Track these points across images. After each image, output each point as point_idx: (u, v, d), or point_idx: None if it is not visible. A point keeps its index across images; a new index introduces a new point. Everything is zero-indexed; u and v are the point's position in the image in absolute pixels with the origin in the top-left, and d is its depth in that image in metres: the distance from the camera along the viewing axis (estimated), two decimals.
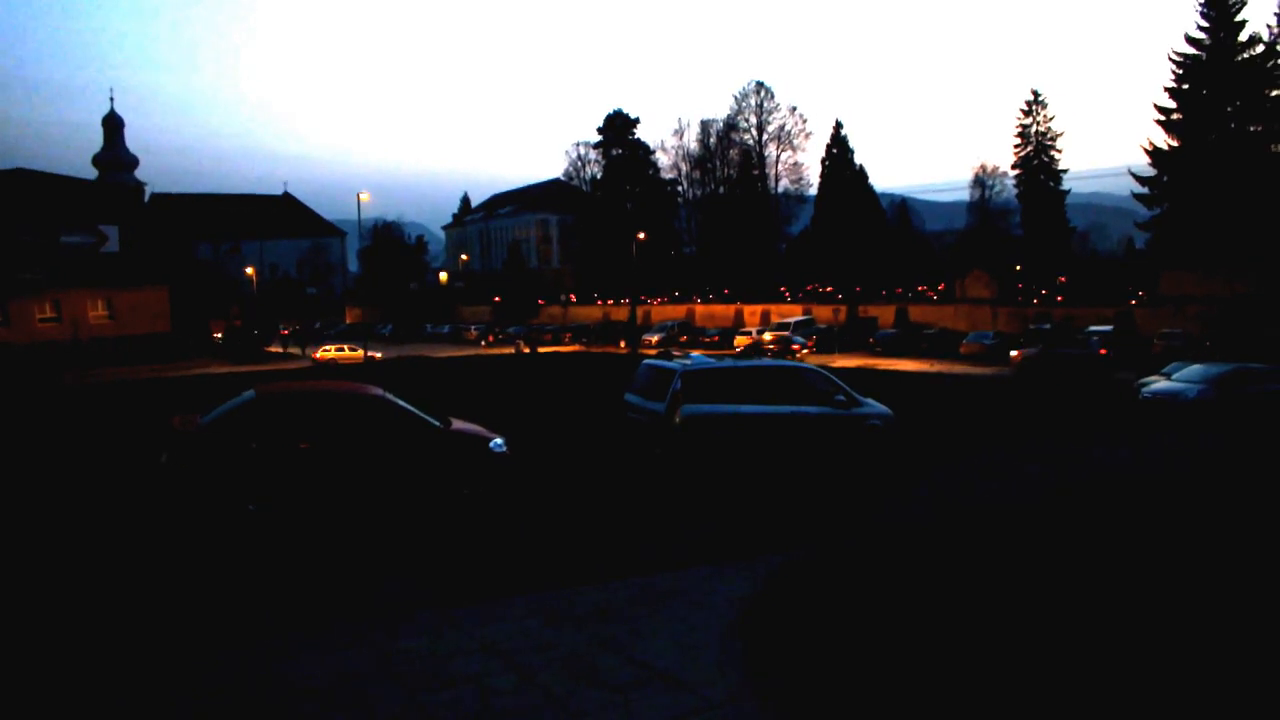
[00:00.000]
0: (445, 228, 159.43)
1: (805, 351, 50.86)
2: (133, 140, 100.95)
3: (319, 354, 57.84)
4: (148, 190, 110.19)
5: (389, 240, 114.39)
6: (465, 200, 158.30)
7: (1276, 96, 63.06)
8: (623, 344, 64.14)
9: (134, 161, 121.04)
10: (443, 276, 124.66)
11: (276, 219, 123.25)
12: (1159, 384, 25.77)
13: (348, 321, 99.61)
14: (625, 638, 7.37)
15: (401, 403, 12.37)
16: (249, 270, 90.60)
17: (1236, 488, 13.76)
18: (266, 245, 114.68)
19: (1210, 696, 6.10)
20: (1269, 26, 63.55)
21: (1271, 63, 63.09)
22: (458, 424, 12.82)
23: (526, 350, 54.21)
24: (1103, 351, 41.49)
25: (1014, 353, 42.70)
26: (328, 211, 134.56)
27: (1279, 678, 6.36)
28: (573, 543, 10.63)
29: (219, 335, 67.89)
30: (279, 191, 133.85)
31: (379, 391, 12.65)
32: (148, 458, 11.30)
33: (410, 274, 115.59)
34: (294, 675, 6.67)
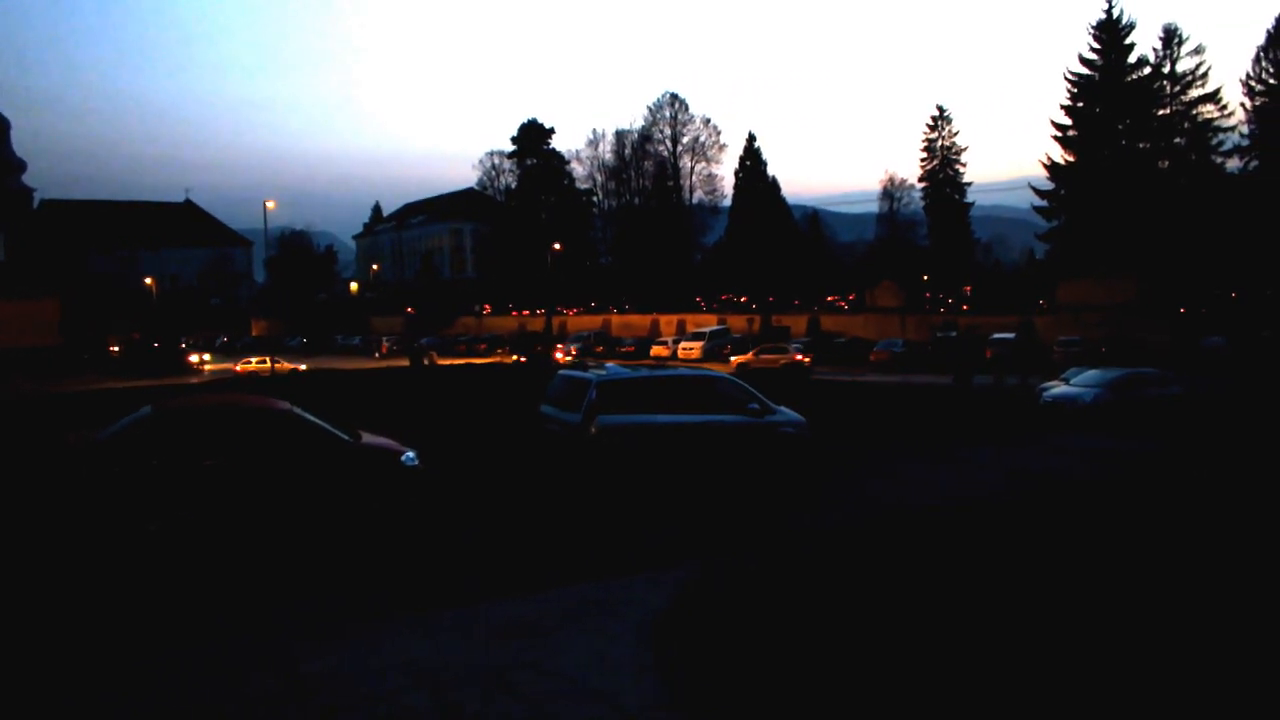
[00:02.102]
0: (356, 237, 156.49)
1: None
2: (20, 144, 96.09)
3: (239, 366, 56.24)
4: (37, 196, 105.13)
5: (297, 249, 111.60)
6: (377, 209, 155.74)
7: (1163, 116, 66.39)
8: (539, 350, 63.81)
9: (21, 165, 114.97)
10: (353, 287, 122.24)
11: (178, 227, 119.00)
12: (1058, 388, 26.74)
13: (254, 334, 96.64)
14: (542, 650, 7.26)
15: (309, 416, 12.00)
16: (148, 280, 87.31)
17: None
18: (167, 254, 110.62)
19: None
20: (1155, 50, 66.82)
21: (1158, 84, 66.41)
22: (368, 438, 12.51)
23: (427, 362, 52.64)
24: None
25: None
26: (233, 220, 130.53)
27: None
28: (488, 556, 10.45)
29: (116, 349, 65.20)
30: (181, 198, 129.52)
31: (285, 405, 12.26)
32: (35, 477, 10.70)
33: (320, 284, 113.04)
34: (197, 700, 6.40)
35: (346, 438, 11.97)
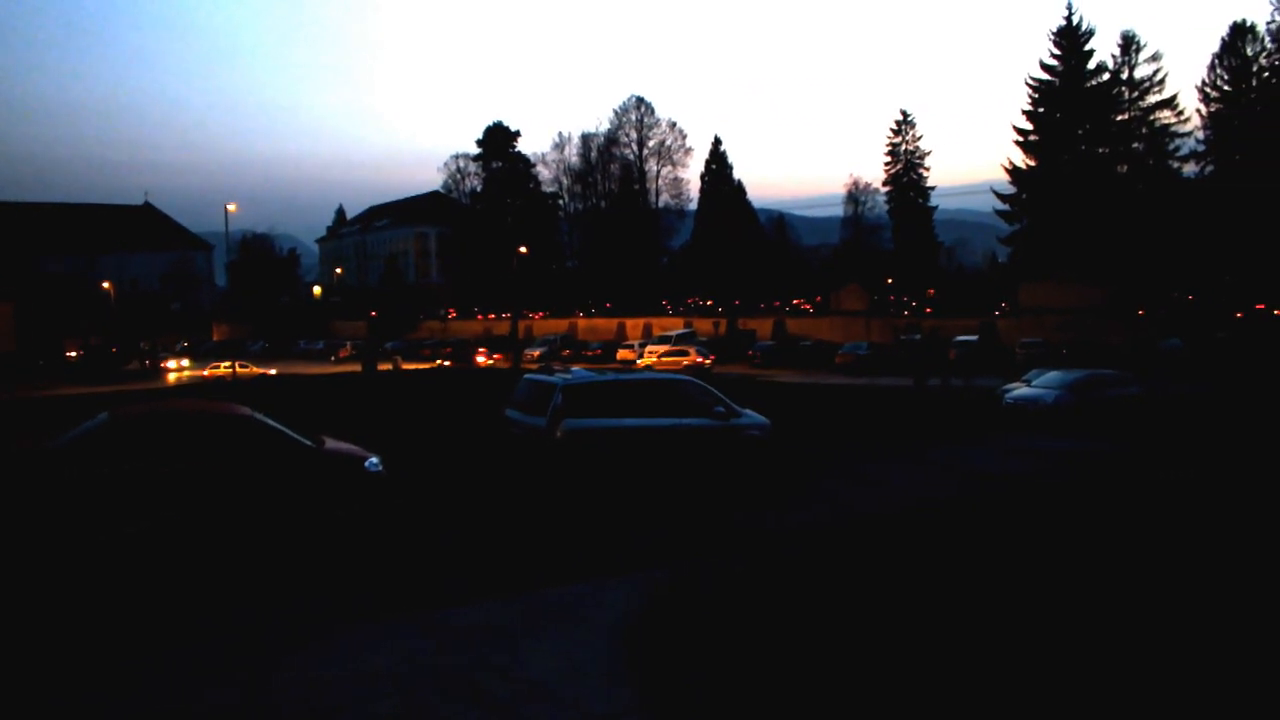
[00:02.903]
0: (319, 240, 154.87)
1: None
2: None
3: (208, 371, 55.56)
4: None
5: (259, 253, 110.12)
6: (340, 212, 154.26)
7: (1122, 121, 67.55)
8: (502, 356, 63.70)
9: None
10: (316, 291, 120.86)
11: (136, 230, 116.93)
12: (1020, 390, 27.05)
13: (216, 338, 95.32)
14: (510, 656, 7.21)
15: (271, 422, 11.81)
16: (106, 285, 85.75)
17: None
18: (126, 258, 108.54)
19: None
20: (1114, 56, 68.00)
21: (1117, 90, 67.57)
22: (331, 443, 12.33)
23: (391, 367, 52.15)
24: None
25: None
26: (193, 223, 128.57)
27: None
28: (454, 562, 10.36)
29: (73, 354, 63.97)
30: (139, 201, 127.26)
31: (246, 411, 12.06)
32: None
33: (282, 288, 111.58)
34: (160, 712, 6.29)
35: (309, 443, 11.79)
